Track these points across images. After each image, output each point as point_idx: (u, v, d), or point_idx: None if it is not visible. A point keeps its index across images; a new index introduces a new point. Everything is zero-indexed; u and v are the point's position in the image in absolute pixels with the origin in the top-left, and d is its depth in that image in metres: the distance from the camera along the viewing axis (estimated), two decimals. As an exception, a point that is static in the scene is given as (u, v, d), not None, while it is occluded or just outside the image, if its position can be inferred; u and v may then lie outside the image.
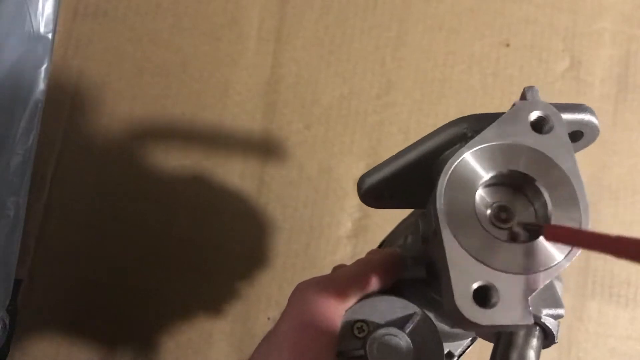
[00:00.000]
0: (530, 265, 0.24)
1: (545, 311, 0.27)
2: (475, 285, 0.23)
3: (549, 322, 0.27)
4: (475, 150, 0.25)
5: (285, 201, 0.58)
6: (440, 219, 0.24)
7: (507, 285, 0.23)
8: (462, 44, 0.61)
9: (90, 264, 0.57)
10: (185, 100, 0.59)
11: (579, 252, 0.24)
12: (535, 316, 0.27)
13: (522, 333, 0.27)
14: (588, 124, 0.28)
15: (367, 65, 0.61)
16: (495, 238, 0.25)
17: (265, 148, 0.59)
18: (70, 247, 0.57)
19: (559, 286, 0.28)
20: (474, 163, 0.25)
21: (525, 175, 0.25)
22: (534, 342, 0.27)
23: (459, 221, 0.25)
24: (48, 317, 0.56)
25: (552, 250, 0.24)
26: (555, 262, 0.24)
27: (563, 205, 0.25)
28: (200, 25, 0.61)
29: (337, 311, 0.29)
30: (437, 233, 0.25)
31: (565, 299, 0.57)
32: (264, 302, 0.57)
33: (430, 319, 0.29)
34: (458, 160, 0.25)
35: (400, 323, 0.29)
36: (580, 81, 0.61)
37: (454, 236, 0.24)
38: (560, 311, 0.27)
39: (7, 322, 0.54)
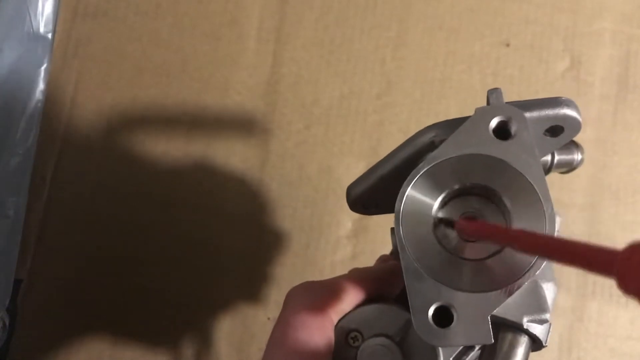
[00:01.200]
0: (490, 282, 0.23)
1: (527, 317, 0.26)
2: (433, 307, 0.23)
3: (534, 328, 0.27)
4: (429, 168, 0.25)
5: (285, 201, 0.58)
6: (399, 242, 0.24)
7: (466, 305, 0.23)
8: (462, 44, 0.61)
9: (90, 264, 0.57)
10: (185, 100, 0.59)
11: (538, 270, 0.23)
12: (518, 324, 0.26)
13: (507, 341, 0.26)
14: (566, 118, 0.27)
15: (367, 65, 0.61)
16: (455, 256, 0.24)
17: (265, 148, 0.59)
18: (70, 247, 0.57)
19: (548, 288, 0.28)
20: (427, 183, 0.25)
21: (484, 185, 0.25)
22: (519, 350, 0.26)
23: (418, 242, 0.24)
24: (48, 317, 0.56)
25: (511, 267, 0.24)
26: (516, 278, 0.23)
27: (526, 211, 0.24)
28: (200, 25, 0.61)
29: (326, 318, 0.28)
30: (398, 253, 0.24)
31: (565, 299, 0.57)
32: (264, 302, 0.57)
33: None
34: (413, 182, 0.25)
35: (393, 332, 0.29)
36: (580, 81, 0.61)
37: (414, 257, 0.24)
38: (544, 316, 0.27)
39: (7, 322, 0.54)
